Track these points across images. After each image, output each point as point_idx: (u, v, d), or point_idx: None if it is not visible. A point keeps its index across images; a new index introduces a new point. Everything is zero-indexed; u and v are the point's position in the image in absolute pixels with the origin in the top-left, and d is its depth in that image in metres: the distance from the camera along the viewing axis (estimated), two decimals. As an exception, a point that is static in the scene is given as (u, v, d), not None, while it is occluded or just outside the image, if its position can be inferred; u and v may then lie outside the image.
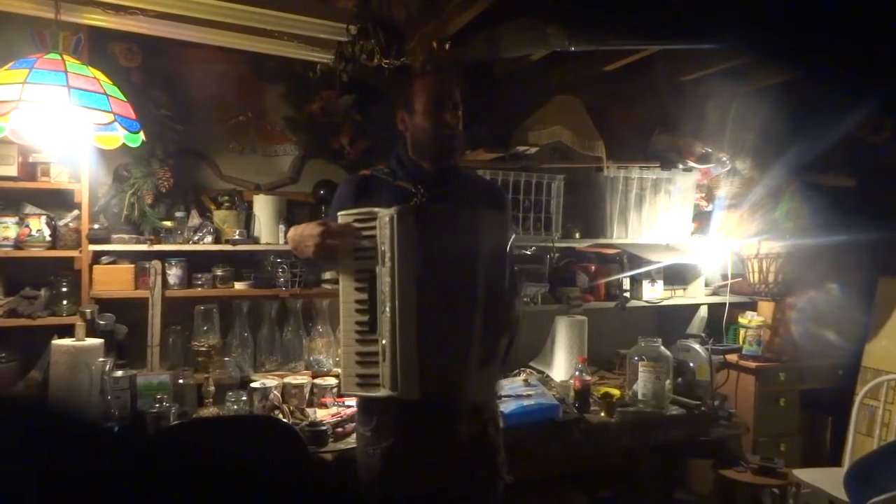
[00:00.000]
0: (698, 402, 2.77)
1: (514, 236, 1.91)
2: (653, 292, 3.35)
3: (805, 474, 2.92)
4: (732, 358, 3.30)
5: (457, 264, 1.59)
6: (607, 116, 3.26)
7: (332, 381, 2.72)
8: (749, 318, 3.37)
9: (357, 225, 1.60)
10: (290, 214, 2.88)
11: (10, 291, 2.53)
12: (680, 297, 3.46)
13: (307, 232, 1.63)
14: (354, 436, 1.86)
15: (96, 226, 2.58)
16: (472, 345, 1.59)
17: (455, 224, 1.63)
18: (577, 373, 2.73)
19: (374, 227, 1.57)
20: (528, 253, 3.17)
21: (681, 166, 3.28)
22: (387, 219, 1.53)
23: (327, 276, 2.87)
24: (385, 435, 1.70)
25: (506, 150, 2.95)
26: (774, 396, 3.28)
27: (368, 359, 1.57)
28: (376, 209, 1.57)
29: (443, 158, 1.79)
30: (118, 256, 2.65)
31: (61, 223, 2.58)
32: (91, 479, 0.61)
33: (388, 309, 1.53)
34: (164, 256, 2.66)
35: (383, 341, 1.53)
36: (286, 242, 2.75)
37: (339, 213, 1.65)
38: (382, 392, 1.54)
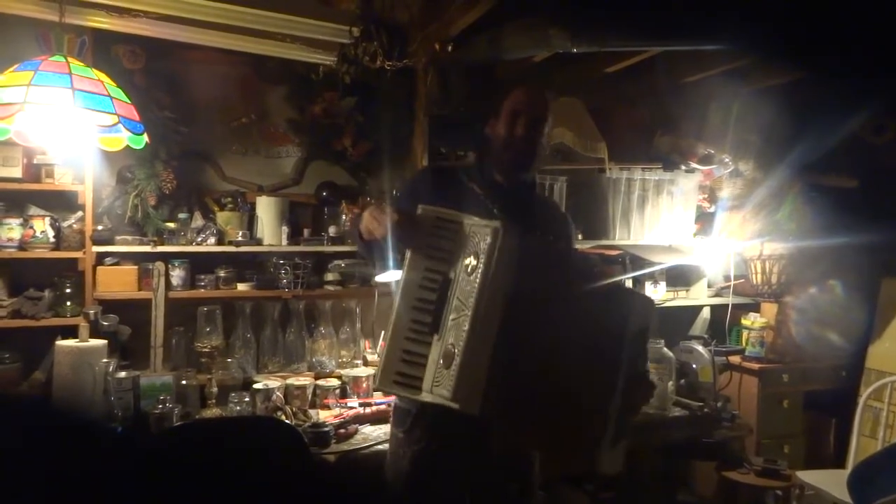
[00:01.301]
0: (701, 404, 2.77)
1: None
2: (655, 294, 3.35)
3: (808, 476, 2.91)
4: (735, 359, 3.29)
5: (553, 304, 1.51)
6: (610, 118, 3.26)
7: (334, 382, 2.72)
8: (752, 320, 3.36)
9: (440, 224, 1.52)
10: (292, 216, 2.88)
11: (14, 292, 2.54)
12: (682, 299, 3.45)
13: (389, 214, 1.54)
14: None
15: (100, 227, 2.59)
16: (561, 400, 1.49)
17: (549, 255, 1.59)
18: (579, 374, 2.72)
19: (456, 232, 1.49)
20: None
21: (683, 167, 3.28)
22: (489, 230, 1.44)
23: (329, 277, 2.87)
24: (418, 438, 1.68)
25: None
26: (777, 398, 3.27)
27: (415, 360, 1.50)
28: (463, 215, 1.50)
29: (513, 172, 1.76)
30: (122, 258, 2.66)
31: (65, 224, 2.59)
32: (94, 480, 0.61)
33: (470, 314, 1.43)
34: (167, 258, 2.67)
35: (451, 343, 1.44)
36: (289, 244, 2.79)
37: (421, 206, 1.55)
38: (426, 397, 1.46)
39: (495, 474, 1.69)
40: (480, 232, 1.46)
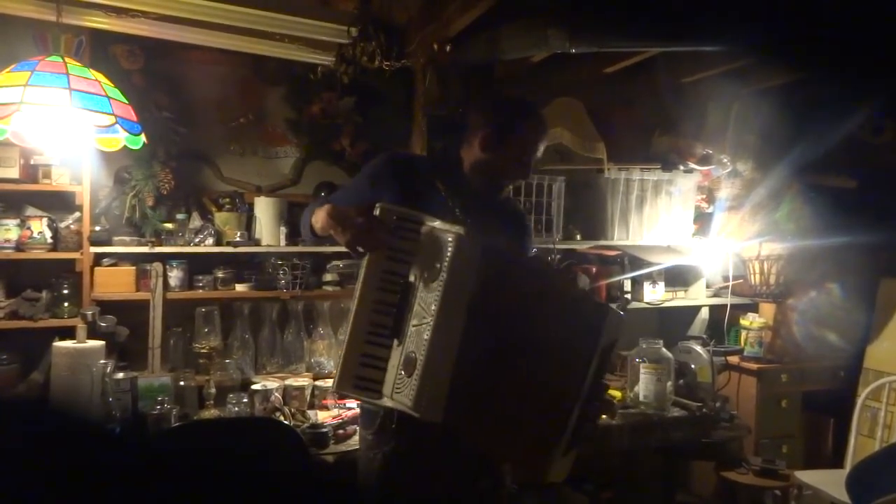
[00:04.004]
0: (700, 404, 2.76)
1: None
2: (654, 294, 3.35)
3: (807, 476, 2.91)
4: (734, 359, 3.29)
5: (520, 315, 1.48)
6: (608, 118, 3.26)
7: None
8: (750, 320, 3.36)
9: (399, 223, 1.47)
10: (290, 216, 2.88)
11: (12, 293, 2.54)
12: (681, 299, 3.46)
13: (348, 215, 1.49)
14: (357, 437, 1.85)
15: (97, 228, 2.58)
16: (523, 410, 1.48)
17: (522, 270, 1.55)
18: (578, 374, 2.72)
19: (416, 233, 1.44)
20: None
21: (682, 168, 3.28)
22: (451, 237, 1.39)
23: (328, 277, 2.87)
24: (387, 439, 1.67)
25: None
26: (776, 398, 3.27)
27: (373, 363, 1.47)
28: (424, 216, 1.45)
29: (493, 192, 1.75)
30: (119, 258, 2.65)
31: (62, 225, 2.58)
32: (92, 481, 0.61)
33: (426, 324, 1.40)
34: (165, 258, 2.66)
35: (412, 351, 1.41)
36: (287, 244, 2.79)
37: (379, 205, 1.50)
38: (387, 402, 1.44)
39: (467, 471, 1.69)
40: (443, 237, 1.41)
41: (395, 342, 1.45)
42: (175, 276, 2.67)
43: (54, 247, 2.54)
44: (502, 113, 1.72)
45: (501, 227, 1.74)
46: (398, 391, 1.41)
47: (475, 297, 1.41)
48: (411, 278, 1.45)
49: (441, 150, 1.76)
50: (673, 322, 3.57)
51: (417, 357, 1.40)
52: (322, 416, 2.52)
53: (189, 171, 2.84)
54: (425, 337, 1.39)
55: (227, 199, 2.84)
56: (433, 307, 1.39)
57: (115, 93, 2.25)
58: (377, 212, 1.48)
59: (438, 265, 1.40)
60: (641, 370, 2.72)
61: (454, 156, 1.77)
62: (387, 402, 1.44)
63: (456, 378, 1.41)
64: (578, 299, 1.69)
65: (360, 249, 1.50)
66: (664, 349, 2.76)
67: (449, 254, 1.39)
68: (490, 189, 1.75)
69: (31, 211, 2.57)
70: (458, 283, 1.39)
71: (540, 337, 1.49)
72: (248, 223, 2.83)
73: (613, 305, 3.23)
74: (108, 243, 2.58)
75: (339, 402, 2.63)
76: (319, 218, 1.58)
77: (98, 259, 2.61)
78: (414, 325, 1.43)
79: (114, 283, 2.60)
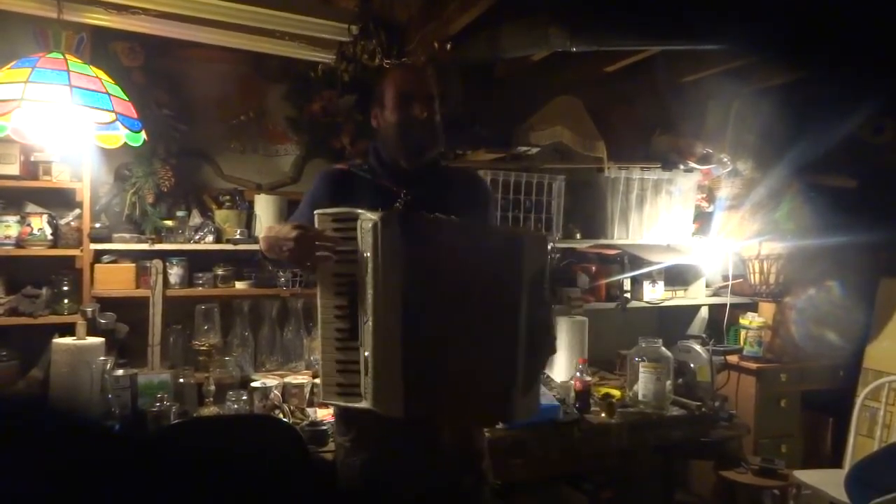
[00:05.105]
0: (699, 403, 2.77)
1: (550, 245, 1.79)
2: (653, 293, 3.35)
3: (806, 476, 2.91)
4: (733, 359, 3.30)
5: (451, 275, 1.49)
6: (608, 117, 3.26)
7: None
8: (750, 319, 3.37)
9: (336, 226, 1.49)
10: (290, 214, 2.87)
11: (12, 290, 2.54)
12: (681, 298, 3.46)
13: (283, 234, 1.51)
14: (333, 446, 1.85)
15: (98, 225, 2.58)
16: (475, 366, 1.50)
17: (444, 230, 1.53)
18: (577, 373, 2.73)
19: (355, 230, 1.46)
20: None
21: (682, 167, 3.28)
22: (369, 225, 1.42)
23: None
24: (365, 446, 1.65)
25: (507, 151, 2.95)
26: (775, 397, 3.27)
27: (349, 367, 1.47)
28: (358, 210, 1.46)
29: (418, 155, 1.69)
30: (119, 255, 2.65)
31: (63, 222, 2.58)
32: (91, 478, 0.61)
33: (370, 322, 1.42)
34: (165, 256, 2.66)
35: (366, 353, 1.43)
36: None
37: (316, 212, 1.53)
38: (364, 404, 1.45)
39: (449, 471, 1.68)
40: (365, 227, 1.44)
41: (359, 343, 1.46)
42: (175, 273, 2.68)
43: (54, 243, 2.54)
44: (375, 86, 1.76)
45: (450, 195, 1.70)
46: (367, 391, 1.44)
47: (409, 277, 1.44)
48: (358, 277, 1.46)
49: (370, 151, 1.76)
50: (672, 321, 3.58)
51: (368, 355, 1.43)
52: (321, 414, 2.52)
53: (189, 168, 2.84)
54: (369, 333, 1.43)
55: (228, 197, 2.84)
56: (370, 298, 1.43)
57: (116, 90, 2.25)
58: (315, 220, 1.52)
59: (367, 256, 1.43)
60: (641, 369, 2.73)
61: (382, 150, 1.75)
62: (364, 403, 1.46)
63: (409, 364, 1.45)
64: (494, 238, 1.69)
65: (307, 263, 1.52)
66: (663, 348, 2.77)
67: (371, 242, 1.42)
68: (417, 159, 1.70)
69: (31, 207, 2.57)
70: (386, 271, 1.42)
71: (471, 289, 1.52)
72: (248, 221, 2.83)
73: (614, 305, 3.25)
74: (109, 240, 2.58)
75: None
76: (262, 246, 1.62)
77: (98, 256, 2.61)
78: (363, 323, 1.45)
79: (114, 280, 2.60)
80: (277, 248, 1.54)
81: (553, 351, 1.71)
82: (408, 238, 1.44)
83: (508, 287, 1.53)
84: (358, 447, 1.67)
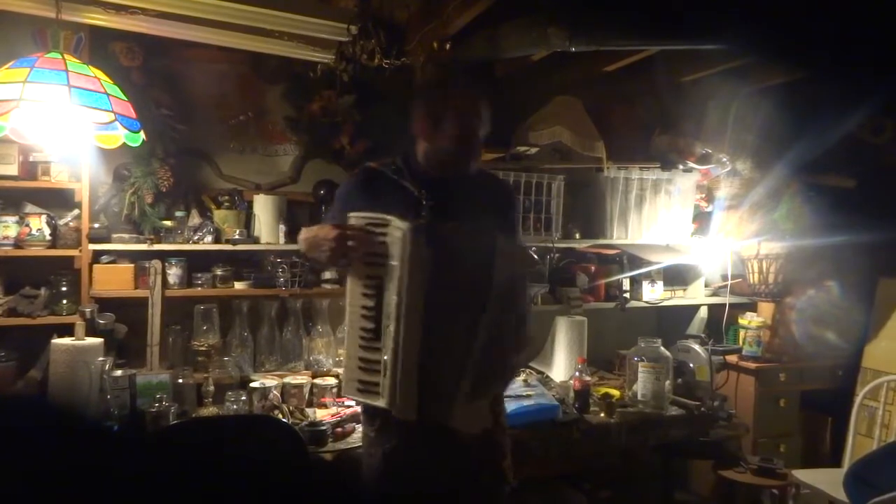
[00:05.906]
0: (698, 403, 2.77)
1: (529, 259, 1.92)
2: (653, 293, 3.35)
3: (805, 475, 2.91)
4: (732, 359, 3.30)
5: (469, 286, 1.57)
6: (608, 117, 3.26)
7: (331, 381, 2.72)
8: (749, 319, 3.37)
9: (370, 230, 1.57)
10: (290, 214, 2.88)
11: (10, 290, 2.53)
12: (680, 298, 3.46)
13: (322, 235, 1.61)
14: (360, 434, 1.89)
15: (96, 225, 2.58)
16: (479, 373, 1.57)
17: (467, 243, 1.61)
18: (576, 373, 2.73)
19: (385, 234, 1.54)
20: (529, 253, 3.17)
21: (681, 167, 3.28)
22: (398, 234, 1.50)
23: (327, 275, 2.87)
24: (388, 437, 1.70)
25: (506, 151, 2.95)
26: (774, 397, 3.27)
27: (371, 366, 1.54)
28: (389, 217, 1.54)
29: (455, 171, 1.77)
30: (118, 256, 2.65)
31: (61, 222, 2.58)
32: (90, 478, 0.61)
33: (392, 326, 1.50)
34: (164, 256, 2.66)
35: (385, 357, 1.50)
36: (286, 242, 2.79)
37: (351, 215, 1.62)
38: (381, 403, 1.53)
39: (469, 468, 1.72)
40: (395, 234, 1.51)
41: (381, 345, 1.53)
42: (174, 273, 2.67)
43: (53, 244, 2.54)
44: (424, 100, 1.81)
45: (476, 202, 1.75)
46: (384, 392, 1.52)
47: (429, 287, 1.50)
48: (385, 280, 1.54)
49: (401, 153, 1.81)
50: (671, 321, 3.58)
51: (388, 358, 1.49)
52: (320, 414, 2.52)
53: (188, 168, 2.83)
54: (391, 337, 1.49)
55: (227, 197, 2.84)
56: (393, 304, 1.49)
57: (115, 90, 2.25)
58: (350, 222, 1.60)
59: (395, 263, 1.50)
60: (640, 369, 2.73)
61: (416, 158, 1.80)
62: (381, 402, 1.53)
63: (425, 370, 1.51)
64: (509, 248, 1.73)
65: (344, 262, 1.61)
66: (662, 348, 2.77)
67: (399, 250, 1.49)
68: (448, 171, 1.76)
69: (30, 208, 2.57)
70: (410, 281, 1.48)
71: (477, 299, 1.59)
72: (247, 221, 2.83)
73: (613, 304, 3.24)
74: (107, 240, 2.58)
75: (337, 400, 2.63)
76: (302, 247, 1.74)
77: (97, 256, 2.60)
78: (385, 326, 1.52)
79: (112, 280, 2.60)
80: (317, 248, 1.63)
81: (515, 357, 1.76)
82: (433, 247, 1.51)
83: (481, 289, 1.59)
84: (382, 437, 1.72)
